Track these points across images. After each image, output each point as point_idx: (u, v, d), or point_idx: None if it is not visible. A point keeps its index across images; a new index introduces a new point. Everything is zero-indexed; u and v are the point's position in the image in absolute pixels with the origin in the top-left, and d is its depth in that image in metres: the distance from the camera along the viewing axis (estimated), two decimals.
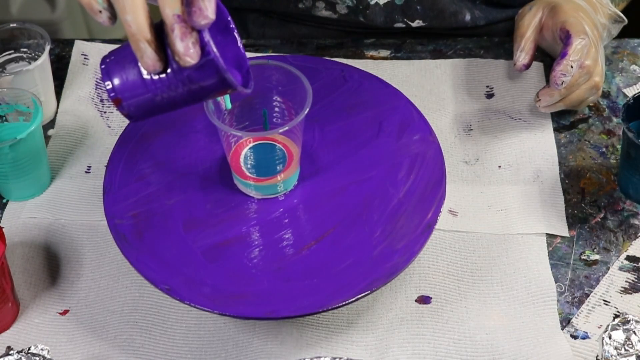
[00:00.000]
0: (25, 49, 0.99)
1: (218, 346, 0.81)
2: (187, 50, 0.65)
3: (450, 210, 0.90)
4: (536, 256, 0.87)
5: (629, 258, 0.87)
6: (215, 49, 0.66)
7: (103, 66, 0.71)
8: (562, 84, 0.91)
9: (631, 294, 0.84)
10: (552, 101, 0.95)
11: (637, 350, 0.73)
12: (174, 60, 0.67)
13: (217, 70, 0.67)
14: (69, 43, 1.08)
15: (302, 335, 0.81)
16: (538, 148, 0.96)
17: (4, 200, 0.93)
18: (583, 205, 0.92)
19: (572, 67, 0.91)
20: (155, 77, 0.69)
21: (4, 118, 0.92)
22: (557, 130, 0.99)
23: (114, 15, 0.68)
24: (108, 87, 0.70)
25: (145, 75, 0.69)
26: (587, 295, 0.84)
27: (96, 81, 1.03)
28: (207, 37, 0.66)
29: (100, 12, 0.67)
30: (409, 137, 0.90)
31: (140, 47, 0.66)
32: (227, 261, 0.81)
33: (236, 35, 0.75)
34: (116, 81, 0.70)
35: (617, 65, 1.05)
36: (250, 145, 0.86)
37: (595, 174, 0.94)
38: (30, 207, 0.92)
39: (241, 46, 0.75)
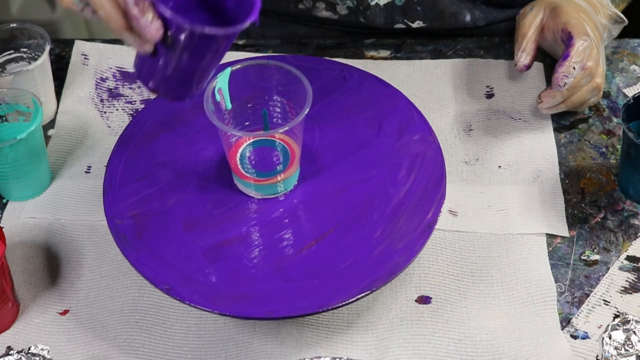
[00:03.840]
0: (25, 49, 0.99)
1: (218, 346, 0.81)
2: (146, 29, 0.66)
3: (450, 210, 0.90)
4: (536, 256, 0.87)
5: (629, 258, 0.87)
6: (169, 15, 0.67)
7: (135, 66, 0.76)
8: (564, 85, 0.91)
9: (631, 294, 0.84)
10: (554, 102, 0.95)
11: (637, 350, 0.73)
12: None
13: (192, 32, 0.68)
14: (69, 43, 1.08)
15: (302, 335, 0.81)
16: (538, 148, 0.96)
17: (4, 200, 0.93)
18: (583, 205, 0.91)
19: (574, 68, 0.91)
20: (157, 56, 0.71)
21: (4, 118, 0.92)
22: (557, 130, 0.99)
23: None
24: (145, 83, 0.75)
25: (153, 59, 0.72)
26: (587, 295, 0.84)
27: (96, 81, 1.03)
28: (161, 7, 0.67)
29: (82, 10, 0.68)
30: (409, 137, 0.90)
31: (124, 36, 0.68)
32: (227, 261, 0.81)
33: None
34: (143, 74, 0.74)
35: (617, 65, 1.05)
36: (250, 145, 0.86)
37: (595, 174, 0.94)
38: (30, 207, 0.92)
39: None
